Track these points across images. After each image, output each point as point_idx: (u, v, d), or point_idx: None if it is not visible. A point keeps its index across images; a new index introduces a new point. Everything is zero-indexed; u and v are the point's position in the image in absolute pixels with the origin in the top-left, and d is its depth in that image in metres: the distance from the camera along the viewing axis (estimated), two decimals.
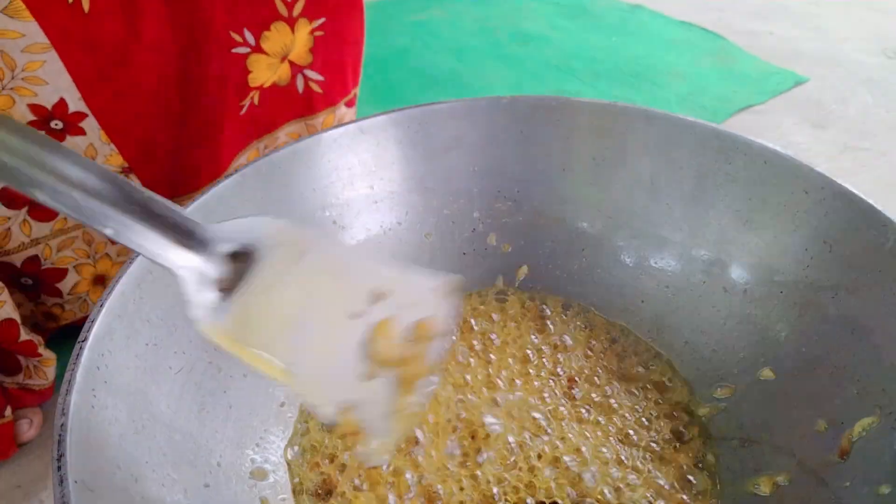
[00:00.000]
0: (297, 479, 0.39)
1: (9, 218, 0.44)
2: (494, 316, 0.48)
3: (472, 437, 0.40)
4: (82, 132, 0.43)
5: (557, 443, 0.40)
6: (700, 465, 0.39)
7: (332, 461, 0.39)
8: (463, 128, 0.48)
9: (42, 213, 0.45)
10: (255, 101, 0.53)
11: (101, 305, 0.34)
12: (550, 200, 0.50)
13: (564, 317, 0.48)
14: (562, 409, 0.42)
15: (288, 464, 0.39)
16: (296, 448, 0.40)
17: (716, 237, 0.45)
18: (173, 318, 0.38)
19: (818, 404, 0.38)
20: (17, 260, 0.46)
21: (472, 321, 0.48)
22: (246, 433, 0.39)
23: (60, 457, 0.28)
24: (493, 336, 0.47)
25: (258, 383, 0.41)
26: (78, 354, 0.31)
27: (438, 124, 0.48)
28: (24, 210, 0.44)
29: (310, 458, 0.40)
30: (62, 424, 0.29)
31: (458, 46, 1.06)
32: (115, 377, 0.33)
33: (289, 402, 0.42)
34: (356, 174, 0.47)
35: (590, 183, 0.49)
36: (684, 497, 0.38)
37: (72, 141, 0.43)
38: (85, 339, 0.32)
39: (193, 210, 0.39)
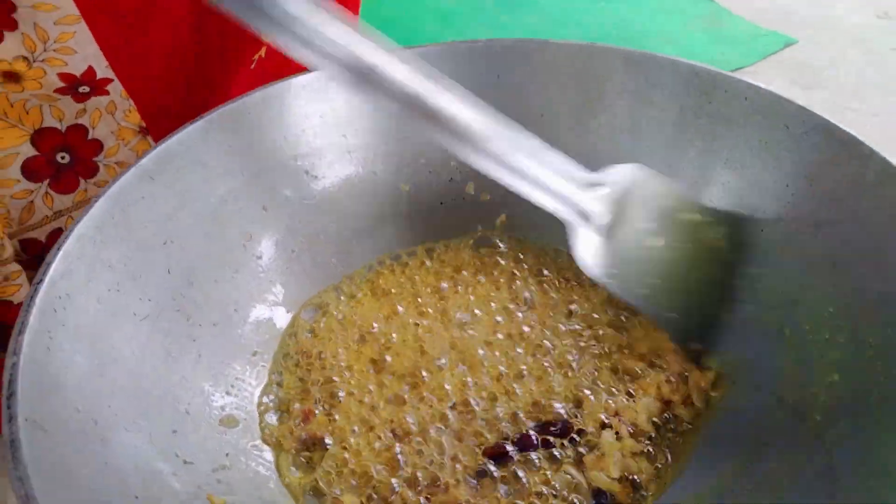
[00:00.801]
0: (267, 428, 0.38)
1: (31, 192, 0.44)
2: (475, 263, 0.47)
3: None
4: (106, 93, 0.44)
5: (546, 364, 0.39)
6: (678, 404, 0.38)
7: (305, 409, 0.38)
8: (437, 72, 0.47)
9: (63, 185, 0.45)
10: (263, 54, 0.53)
11: (57, 248, 0.33)
12: None
13: (544, 264, 0.47)
14: (546, 342, 0.41)
15: (259, 413, 0.39)
16: (270, 397, 0.40)
17: (696, 178, 0.44)
18: (137, 265, 0.37)
19: (800, 341, 0.37)
20: (42, 235, 0.46)
21: (451, 272, 0.47)
22: (217, 381, 0.38)
23: (11, 395, 0.27)
24: (462, 288, 0.46)
25: (229, 332, 0.40)
26: (32, 296, 0.31)
27: None
28: (46, 183, 0.44)
29: (283, 406, 0.39)
30: (13, 364, 0.28)
31: (443, 13, 1.04)
32: (72, 320, 0.32)
33: (262, 351, 0.41)
34: (328, 122, 0.46)
35: (569, 128, 0.48)
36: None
37: (95, 100, 0.44)
38: (40, 282, 0.31)
39: (156, 156, 0.38)
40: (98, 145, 0.46)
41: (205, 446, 0.35)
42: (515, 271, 0.47)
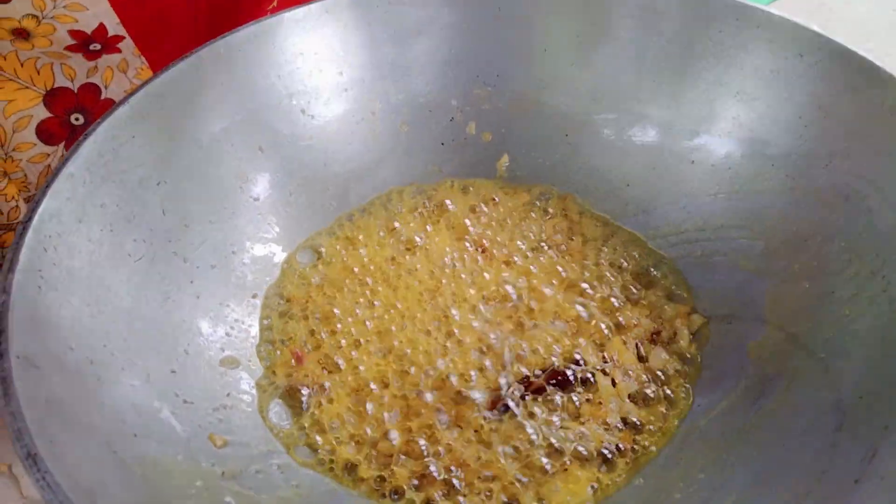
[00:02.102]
0: (269, 367, 0.38)
1: (48, 155, 0.44)
2: (481, 207, 0.46)
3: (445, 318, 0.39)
4: (118, 51, 0.43)
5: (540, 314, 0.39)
6: (683, 342, 0.38)
7: (297, 352, 0.38)
8: (435, 5, 0.45)
9: None
10: (276, 3, 0.51)
11: (46, 186, 0.32)
12: (532, 84, 0.47)
13: (547, 206, 0.46)
14: (545, 289, 0.41)
15: (259, 352, 0.38)
16: (267, 339, 0.39)
17: (705, 112, 0.43)
18: (131, 206, 0.36)
19: (810, 276, 0.36)
20: None
21: (453, 213, 0.46)
22: (216, 323, 0.38)
23: (0, 332, 0.26)
24: (474, 229, 0.45)
25: (227, 274, 0.40)
26: (21, 234, 0.30)
27: (408, 3, 0.45)
28: (61, 146, 0.44)
29: (281, 347, 0.38)
30: (2, 302, 0.27)
31: None
32: (64, 260, 0.31)
33: (260, 293, 0.40)
34: (322, 59, 0.44)
35: (573, 63, 0.46)
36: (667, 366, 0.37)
37: (107, 58, 0.43)
38: (29, 220, 0.31)
39: (146, 94, 0.37)
40: (111, 105, 0.45)
41: (205, 386, 0.35)
42: (516, 212, 0.46)
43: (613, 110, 0.45)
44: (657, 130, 0.44)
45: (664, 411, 0.35)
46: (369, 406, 0.36)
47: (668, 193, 0.44)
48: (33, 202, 0.31)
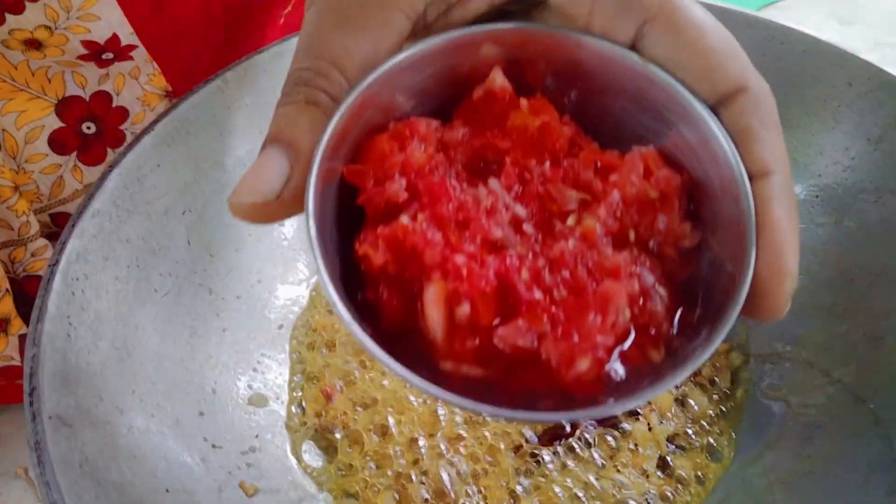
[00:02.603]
0: (297, 406, 0.37)
1: (60, 165, 0.43)
2: None
3: None
4: (130, 58, 0.42)
5: None
6: (723, 382, 0.37)
7: (326, 389, 0.37)
8: None
9: (91, 156, 0.44)
10: (290, 8, 0.50)
11: (72, 226, 0.31)
12: None
13: None
14: None
15: (289, 390, 0.37)
16: (298, 376, 0.38)
17: None
18: (157, 238, 0.35)
19: (855, 316, 0.35)
20: (73, 209, 0.45)
21: None
22: (242, 358, 0.37)
23: (32, 391, 0.25)
24: None
25: (253, 305, 0.39)
26: (49, 279, 0.29)
27: None
28: (74, 155, 0.43)
29: (310, 385, 0.37)
30: (34, 356, 0.26)
31: None
32: (92, 303, 0.30)
33: (287, 325, 0.39)
34: None
35: None
36: (709, 412, 0.36)
37: (119, 65, 0.42)
38: (56, 263, 0.29)
39: (171, 120, 0.36)
40: (124, 113, 0.44)
41: (233, 428, 0.34)
42: None
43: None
44: None
45: (706, 459, 0.34)
46: (398, 451, 0.35)
47: None
48: (59, 243, 0.30)
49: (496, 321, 0.18)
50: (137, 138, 0.34)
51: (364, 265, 0.19)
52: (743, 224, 0.19)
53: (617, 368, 0.19)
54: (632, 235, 0.20)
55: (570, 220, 0.20)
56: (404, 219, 0.19)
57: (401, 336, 0.19)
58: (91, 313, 0.30)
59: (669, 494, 0.33)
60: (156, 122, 0.35)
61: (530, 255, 0.19)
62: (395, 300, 0.19)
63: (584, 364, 0.18)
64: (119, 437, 0.28)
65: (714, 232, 0.20)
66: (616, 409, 0.19)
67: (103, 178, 0.33)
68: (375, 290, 0.19)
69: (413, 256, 0.19)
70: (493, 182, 0.20)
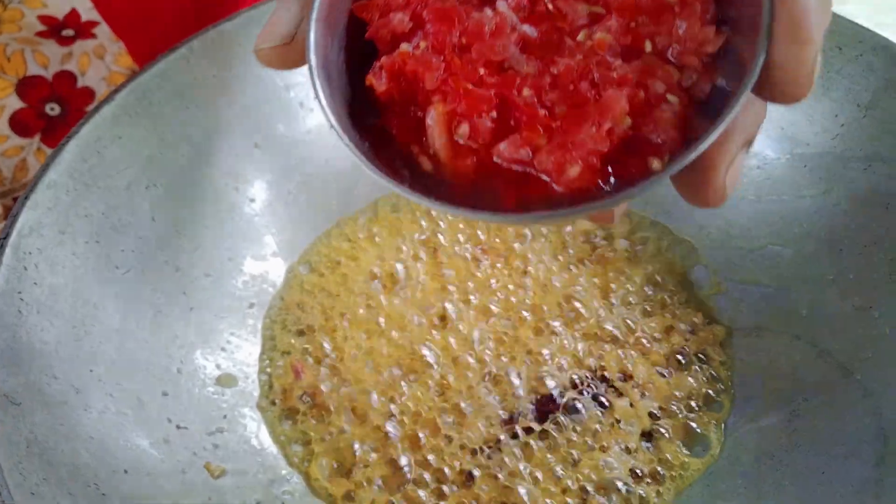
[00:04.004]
0: (268, 385, 0.35)
1: (22, 148, 0.42)
2: None
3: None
4: (93, 36, 0.41)
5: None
6: (711, 357, 0.36)
7: (304, 365, 0.36)
8: None
9: (55, 139, 0.42)
10: None
11: (25, 198, 0.29)
12: None
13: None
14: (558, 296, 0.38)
15: (260, 370, 0.36)
16: (270, 354, 0.37)
17: None
18: (119, 213, 0.33)
19: (846, 288, 0.34)
20: None
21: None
22: (211, 337, 0.36)
23: None
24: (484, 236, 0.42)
25: (223, 283, 0.37)
26: None
27: None
28: (37, 138, 0.42)
29: (282, 360, 0.36)
30: None
31: None
32: (47, 278, 0.29)
33: (259, 303, 0.38)
34: None
35: None
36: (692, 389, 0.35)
37: (81, 44, 0.41)
38: (6, 236, 0.28)
39: (132, 91, 0.34)
40: (89, 94, 0.42)
41: (199, 408, 0.33)
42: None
43: None
44: None
45: (693, 435, 0.33)
46: (374, 424, 0.33)
47: None
48: (10, 216, 0.29)
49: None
50: (96, 108, 0.33)
51: (373, 96, 0.20)
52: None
53: (613, 175, 0.19)
54: (648, 46, 0.19)
55: (581, 36, 0.20)
56: (404, 46, 0.20)
57: (412, 162, 0.20)
58: (45, 289, 0.29)
59: (658, 471, 0.32)
60: (116, 91, 0.34)
61: (536, 74, 0.19)
62: (404, 125, 0.20)
63: (574, 170, 0.18)
64: (74, 416, 0.27)
65: (738, 31, 0.19)
66: (609, 202, 0.18)
67: (59, 149, 0.31)
68: (386, 119, 0.21)
69: (414, 82, 0.20)
70: (501, 2, 0.20)
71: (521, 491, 0.31)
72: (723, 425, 0.33)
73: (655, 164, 0.18)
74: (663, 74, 0.19)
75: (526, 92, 0.19)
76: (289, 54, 0.21)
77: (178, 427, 0.31)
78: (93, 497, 0.25)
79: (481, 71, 0.19)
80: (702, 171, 0.19)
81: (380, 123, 0.21)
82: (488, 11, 0.20)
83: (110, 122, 0.33)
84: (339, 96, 0.21)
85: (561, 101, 0.19)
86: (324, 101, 0.20)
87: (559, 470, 0.32)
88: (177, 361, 0.33)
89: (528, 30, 0.20)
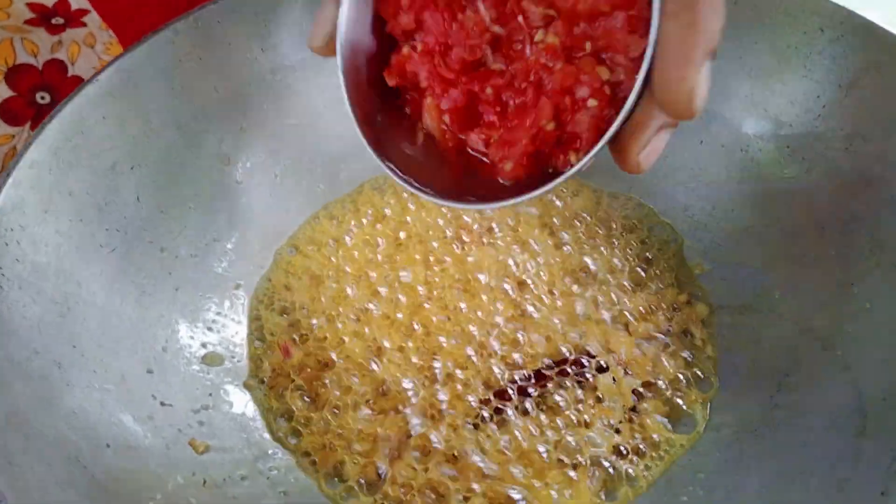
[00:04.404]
0: (255, 363, 0.35)
1: (12, 136, 0.41)
2: None
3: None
4: (83, 25, 0.41)
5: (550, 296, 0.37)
6: (695, 336, 0.36)
7: (291, 344, 0.36)
8: None
9: None
10: None
11: (6, 175, 0.29)
12: None
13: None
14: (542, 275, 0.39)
15: (248, 349, 0.36)
16: (256, 334, 0.37)
17: (715, 90, 0.39)
18: (103, 193, 0.33)
19: (827, 265, 0.34)
20: None
21: None
22: (197, 317, 0.36)
23: None
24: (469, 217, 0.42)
25: (208, 264, 0.37)
26: None
27: None
28: (27, 126, 0.42)
29: (269, 339, 0.36)
30: None
31: None
32: (29, 255, 0.29)
33: (245, 285, 0.38)
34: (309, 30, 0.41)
35: None
36: (680, 375, 0.35)
37: (72, 32, 0.41)
38: None
39: (116, 70, 0.34)
40: (79, 83, 0.42)
41: (184, 386, 0.33)
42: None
43: None
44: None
45: (677, 411, 0.33)
46: (362, 408, 0.33)
47: (674, 175, 0.41)
48: None
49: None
50: (80, 88, 0.33)
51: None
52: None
53: (542, 167, 0.24)
54: (588, 47, 0.23)
55: (538, 36, 0.23)
56: (405, 49, 0.25)
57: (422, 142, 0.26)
58: (28, 266, 0.29)
59: (641, 448, 0.32)
60: (100, 71, 0.34)
61: (499, 72, 0.24)
62: (413, 106, 0.26)
63: (508, 166, 0.23)
64: (56, 391, 0.27)
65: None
66: (537, 193, 0.23)
67: (42, 127, 0.31)
68: (402, 100, 0.26)
69: (414, 78, 0.25)
70: (480, 4, 0.24)
71: (515, 471, 0.31)
72: (708, 403, 0.33)
73: (573, 158, 0.23)
74: (591, 78, 0.22)
75: (488, 90, 0.24)
76: (332, 51, 0.25)
77: (162, 404, 0.31)
78: (73, 470, 0.25)
79: (453, 74, 0.24)
80: (622, 151, 0.22)
81: (398, 103, 0.26)
82: (469, 14, 0.24)
83: (95, 102, 0.33)
84: (366, 86, 0.25)
85: (512, 100, 0.24)
86: (347, 101, 0.25)
87: (541, 447, 0.32)
88: (162, 340, 0.33)
89: (498, 29, 0.24)
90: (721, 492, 0.30)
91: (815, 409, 0.30)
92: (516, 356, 0.35)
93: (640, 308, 0.37)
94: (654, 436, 0.33)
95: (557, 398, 0.33)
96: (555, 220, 0.41)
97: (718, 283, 0.38)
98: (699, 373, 0.35)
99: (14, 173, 0.29)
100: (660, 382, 0.34)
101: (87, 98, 0.33)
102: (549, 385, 0.34)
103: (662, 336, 0.36)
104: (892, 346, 0.30)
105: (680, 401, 0.34)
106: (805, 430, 0.30)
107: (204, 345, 0.35)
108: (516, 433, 0.32)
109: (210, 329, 0.36)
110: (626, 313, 0.36)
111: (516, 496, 0.31)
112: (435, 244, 0.40)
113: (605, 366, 0.34)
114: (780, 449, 0.30)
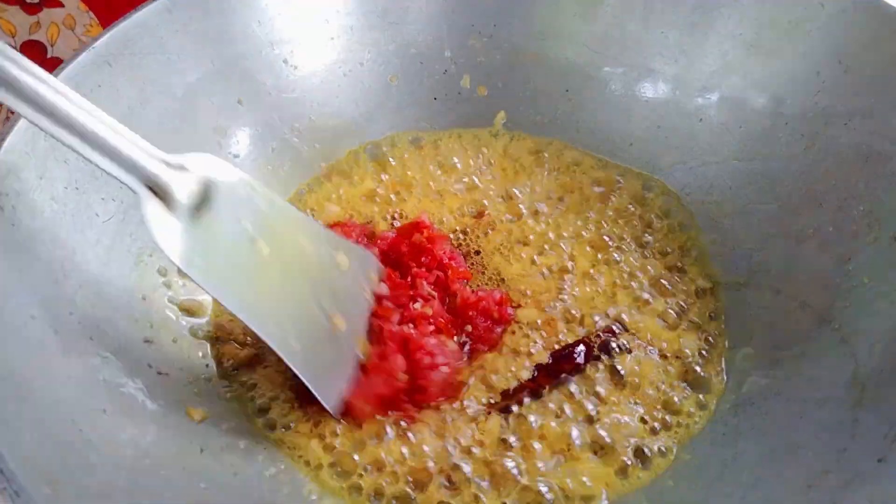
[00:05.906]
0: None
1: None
2: (471, 162, 0.44)
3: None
4: (61, 4, 0.40)
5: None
6: (698, 312, 0.36)
7: None
8: None
9: None
10: None
11: (1, 139, 0.29)
12: (530, 35, 0.44)
13: (546, 163, 0.44)
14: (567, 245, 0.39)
15: None
16: None
17: (715, 67, 0.40)
18: None
19: (826, 241, 0.34)
20: None
21: (455, 163, 0.43)
22: (195, 288, 0.35)
23: None
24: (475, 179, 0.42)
25: None
26: None
27: None
28: (6, 109, 0.40)
29: None
30: None
31: None
32: (24, 220, 0.29)
33: None
34: (307, 5, 0.41)
35: (574, 13, 0.43)
36: (684, 341, 0.35)
37: (49, 12, 0.40)
38: None
39: (112, 39, 0.34)
40: (59, 64, 0.42)
41: (181, 356, 0.33)
42: (517, 167, 0.43)
43: (618, 64, 0.43)
44: (664, 86, 0.42)
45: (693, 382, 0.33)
46: None
47: (674, 153, 0.41)
48: None
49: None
50: (75, 55, 0.33)
51: None
52: None
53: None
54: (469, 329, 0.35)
55: (418, 305, 0.35)
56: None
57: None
58: (23, 231, 0.28)
59: (667, 420, 0.32)
60: (96, 39, 0.33)
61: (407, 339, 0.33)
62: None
63: (367, 408, 0.32)
64: (52, 356, 0.27)
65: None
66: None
67: None
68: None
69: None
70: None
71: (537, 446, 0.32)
72: (720, 377, 0.34)
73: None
74: (453, 352, 0.34)
75: (399, 361, 0.33)
76: None
77: (158, 373, 0.31)
78: (70, 432, 0.25)
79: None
80: None
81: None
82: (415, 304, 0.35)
83: (90, 69, 0.33)
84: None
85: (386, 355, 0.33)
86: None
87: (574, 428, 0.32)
88: (157, 309, 0.33)
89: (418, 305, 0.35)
90: (717, 463, 0.30)
91: (814, 382, 0.30)
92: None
93: (647, 285, 0.37)
94: (671, 408, 0.33)
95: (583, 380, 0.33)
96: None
97: (716, 260, 0.38)
98: (704, 351, 0.35)
99: (8, 139, 0.29)
100: (669, 363, 0.34)
101: (81, 65, 0.33)
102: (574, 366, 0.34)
103: (671, 313, 0.36)
104: (889, 320, 0.30)
105: (688, 378, 0.34)
106: (803, 402, 0.30)
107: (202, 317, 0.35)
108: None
109: (208, 300, 0.35)
110: (638, 293, 0.36)
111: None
112: (453, 225, 0.39)
113: (626, 344, 0.35)
114: (778, 420, 0.30)
